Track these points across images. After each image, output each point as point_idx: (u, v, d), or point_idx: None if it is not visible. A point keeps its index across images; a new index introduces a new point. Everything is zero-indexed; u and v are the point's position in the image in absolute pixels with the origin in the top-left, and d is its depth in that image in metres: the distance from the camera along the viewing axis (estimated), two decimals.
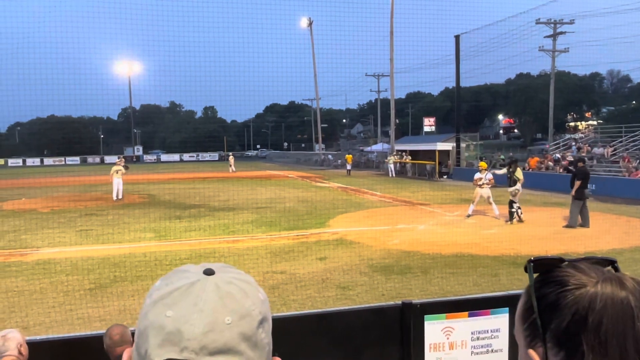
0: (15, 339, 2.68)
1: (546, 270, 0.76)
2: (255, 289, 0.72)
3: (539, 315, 0.72)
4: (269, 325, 0.71)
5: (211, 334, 0.64)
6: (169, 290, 0.67)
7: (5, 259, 10.65)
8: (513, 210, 14.36)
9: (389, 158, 38.76)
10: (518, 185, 14.39)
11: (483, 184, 15.35)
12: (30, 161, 77.83)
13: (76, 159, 78.68)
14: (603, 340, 0.67)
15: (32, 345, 2.78)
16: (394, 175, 36.40)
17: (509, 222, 14.24)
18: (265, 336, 0.70)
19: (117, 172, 22.36)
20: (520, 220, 14.35)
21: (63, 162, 75.75)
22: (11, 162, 76.73)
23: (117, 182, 22.31)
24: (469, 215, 15.56)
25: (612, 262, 0.76)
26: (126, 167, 23.07)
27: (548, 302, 0.72)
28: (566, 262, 0.77)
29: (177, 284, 0.68)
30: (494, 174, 15.82)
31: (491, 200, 15.36)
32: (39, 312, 7.11)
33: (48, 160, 78.29)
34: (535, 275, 0.77)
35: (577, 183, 13.62)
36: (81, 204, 20.60)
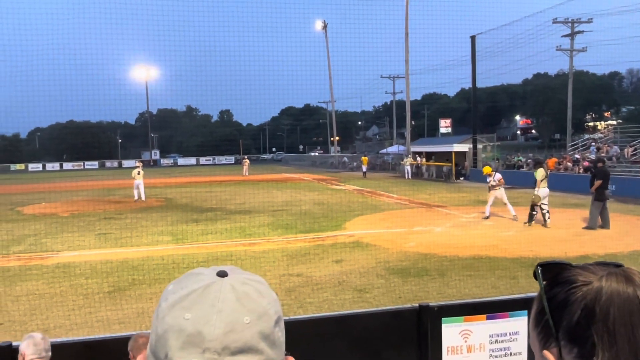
0: (47, 341, 2.78)
1: (556, 273, 0.78)
2: (268, 289, 0.73)
3: (551, 315, 0.74)
4: (283, 324, 0.73)
5: (232, 334, 0.65)
6: (186, 293, 0.67)
7: (26, 262, 10.82)
8: (534, 212, 14.00)
9: (405, 160, 38.58)
10: (536, 189, 14.16)
11: (494, 185, 15.32)
12: (49, 166, 79.00)
13: (94, 164, 79.71)
14: (611, 329, 0.70)
15: (53, 348, 2.83)
16: (410, 177, 36.24)
17: (527, 224, 14.04)
18: (281, 334, 0.71)
19: (138, 174, 23.03)
20: (544, 225, 13.83)
21: (82, 167, 76.79)
22: (31, 167, 77.96)
23: (137, 184, 22.97)
24: (486, 217, 15.46)
25: (620, 267, 0.77)
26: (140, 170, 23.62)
27: (558, 301, 0.75)
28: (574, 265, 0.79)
29: (192, 286, 0.68)
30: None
31: (505, 200, 15.27)
32: (59, 314, 7.20)
33: (67, 165, 79.37)
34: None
35: (598, 182, 13.42)
36: (100, 207, 20.85)
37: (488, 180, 15.71)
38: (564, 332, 0.73)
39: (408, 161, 37.84)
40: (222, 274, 0.70)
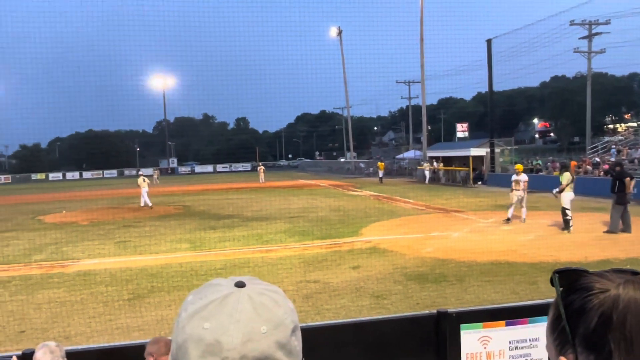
0: (62, 348, 2.80)
1: (572, 280, 0.79)
2: (285, 298, 0.74)
3: (567, 322, 0.75)
4: (299, 333, 0.74)
5: (249, 343, 0.66)
6: (204, 304, 0.69)
7: (47, 270, 10.98)
8: (569, 218, 13.60)
9: (425, 164, 38.23)
10: (554, 190, 13.98)
11: (518, 187, 15.29)
12: (69, 175, 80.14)
13: (113, 172, 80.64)
14: (628, 337, 0.70)
15: (74, 355, 2.86)
16: (427, 181, 35.98)
17: (566, 231, 13.51)
18: (297, 344, 0.72)
19: (143, 181, 24.26)
20: (567, 231, 13.47)
21: (101, 175, 77.75)
22: (52, 176, 79.14)
23: (143, 192, 24.10)
24: (508, 219, 15.36)
25: (637, 274, 0.77)
26: (144, 177, 25.07)
27: (575, 308, 0.75)
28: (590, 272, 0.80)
29: (210, 297, 0.70)
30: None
31: (523, 203, 15.26)
32: (80, 322, 7.29)
33: (87, 174, 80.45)
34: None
35: (631, 182, 13.23)
36: (119, 216, 21.09)
37: (513, 179, 15.73)
38: (580, 339, 0.73)
39: (427, 165, 37.56)
40: (240, 285, 0.72)
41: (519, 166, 16.96)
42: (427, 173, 36.79)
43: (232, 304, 0.69)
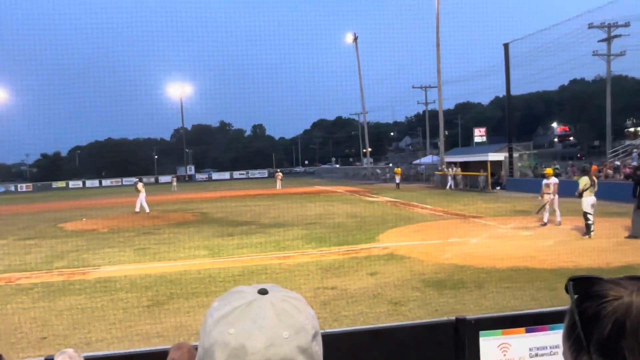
0: (80, 355, 2.82)
1: (587, 287, 0.80)
2: (306, 305, 0.77)
3: (582, 329, 0.76)
4: (320, 339, 0.77)
5: (272, 347, 0.70)
6: (229, 310, 0.73)
7: (68, 277, 11.13)
8: (590, 222, 13.44)
9: (448, 169, 37.71)
10: (576, 192, 13.85)
11: (549, 191, 15.46)
12: (89, 183, 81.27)
13: (132, 180, 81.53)
14: None
15: None
16: (452, 187, 35.55)
17: (587, 236, 13.35)
18: (318, 348, 0.75)
19: (142, 187, 25.48)
20: (588, 236, 13.32)
21: (120, 183, 78.67)
22: (72, 184, 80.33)
23: (140, 198, 25.10)
24: (545, 223, 15.45)
25: None
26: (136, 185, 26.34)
27: (589, 315, 0.76)
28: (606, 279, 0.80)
29: (235, 303, 0.74)
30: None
31: (555, 207, 15.38)
32: (100, 328, 7.37)
33: (106, 182, 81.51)
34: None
35: None
36: (138, 223, 21.31)
37: (544, 182, 15.88)
38: (595, 346, 0.74)
39: (450, 171, 37.06)
40: (263, 292, 0.76)
41: (549, 170, 17.03)
42: (449, 179, 36.42)
43: (256, 310, 0.72)
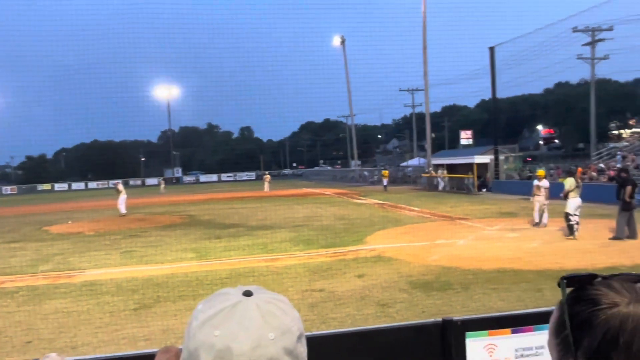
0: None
1: (579, 287, 0.77)
2: (291, 307, 0.77)
3: (571, 333, 0.73)
4: (304, 340, 0.77)
5: (258, 349, 0.70)
6: (214, 312, 0.73)
7: (53, 280, 11.02)
8: (571, 223, 13.54)
9: (439, 172, 37.89)
10: (561, 194, 14.02)
11: (540, 193, 15.61)
12: (75, 185, 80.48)
13: (118, 182, 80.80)
14: (633, 359, 0.68)
15: None
16: (445, 188, 35.71)
17: (571, 237, 13.45)
18: (303, 350, 0.76)
19: (123, 188, 25.97)
20: (572, 237, 13.44)
21: (106, 185, 77.93)
22: (57, 186, 79.53)
23: (120, 200, 25.43)
24: (537, 223, 15.67)
25: None
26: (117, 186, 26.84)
27: (580, 320, 0.73)
28: (599, 279, 0.77)
29: (220, 305, 0.73)
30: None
31: (545, 208, 15.57)
32: (86, 332, 7.30)
33: (92, 184, 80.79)
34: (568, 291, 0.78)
35: (629, 189, 13.15)
36: (124, 225, 21.15)
37: (535, 184, 16.01)
38: (583, 352, 0.71)
39: (440, 173, 37.21)
40: (248, 294, 0.76)
41: (541, 172, 17.20)
42: (440, 181, 36.59)
43: (241, 312, 0.72)
